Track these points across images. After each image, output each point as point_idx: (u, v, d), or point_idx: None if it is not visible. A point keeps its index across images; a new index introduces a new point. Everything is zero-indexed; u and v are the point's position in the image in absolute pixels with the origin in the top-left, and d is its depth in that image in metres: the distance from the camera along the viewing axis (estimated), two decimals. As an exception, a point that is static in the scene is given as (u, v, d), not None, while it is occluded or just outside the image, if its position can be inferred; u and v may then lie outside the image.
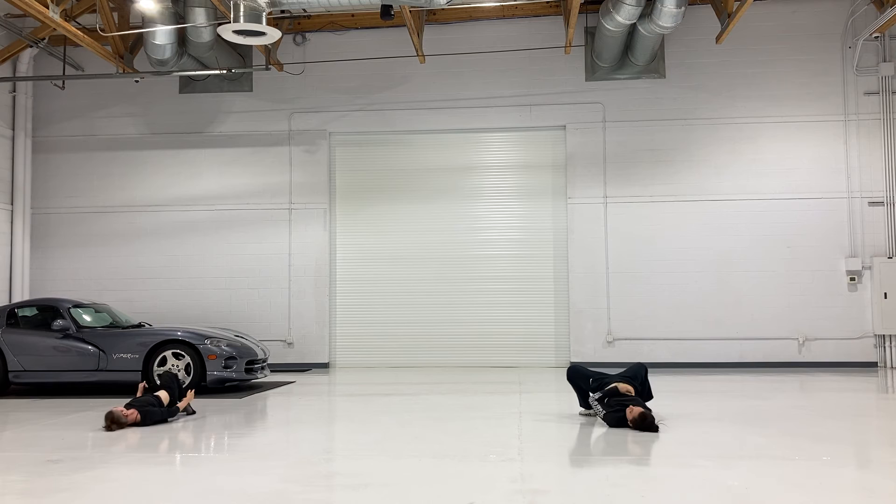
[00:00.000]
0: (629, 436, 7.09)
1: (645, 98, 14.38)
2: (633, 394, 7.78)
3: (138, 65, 14.51)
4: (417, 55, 14.29)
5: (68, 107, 15.53)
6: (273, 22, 13.80)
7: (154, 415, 8.03)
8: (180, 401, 8.59)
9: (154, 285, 15.00)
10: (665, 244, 14.15)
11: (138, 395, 8.88)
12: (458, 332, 14.51)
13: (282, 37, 14.77)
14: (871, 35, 13.63)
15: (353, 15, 14.67)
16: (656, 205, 14.22)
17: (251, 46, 15.05)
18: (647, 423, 7.21)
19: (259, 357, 11.51)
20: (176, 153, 15.24)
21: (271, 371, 13.46)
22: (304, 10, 11.44)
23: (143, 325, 11.80)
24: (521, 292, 14.48)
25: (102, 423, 7.96)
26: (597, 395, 7.77)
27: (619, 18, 12.39)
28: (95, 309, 11.79)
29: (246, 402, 9.82)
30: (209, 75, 14.92)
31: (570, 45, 14.05)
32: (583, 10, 14.02)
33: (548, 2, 14.29)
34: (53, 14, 11.50)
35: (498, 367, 14.13)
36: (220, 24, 11.18)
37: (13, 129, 15.13)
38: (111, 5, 13.11)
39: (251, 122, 15.12)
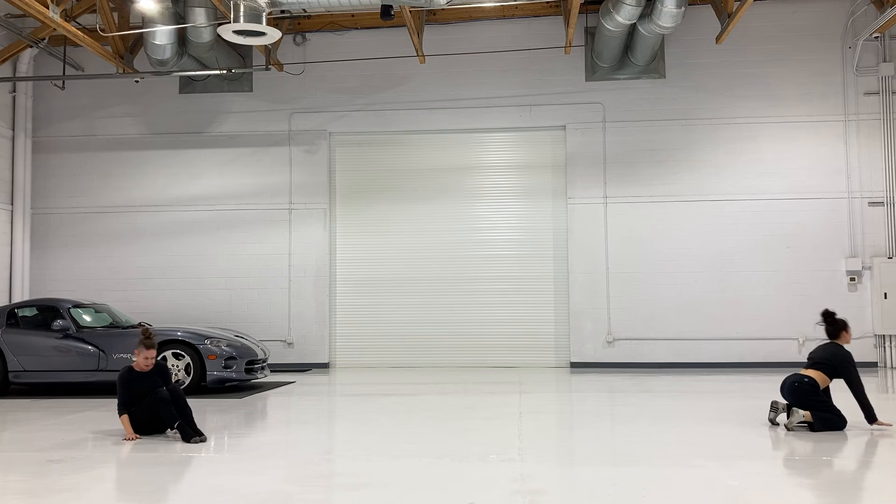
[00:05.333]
0: (628, 436, 7.09)
1: (645, 98, 14.38)
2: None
3: (138, 65, 14.50)
4: (417, 55, 14.29)
5: (68, 107, 15.53)
6: (273, 22, 13.80)
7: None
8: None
9: (154, 285, 15.00)
10: (665, 244, 14.15)
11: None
12: (458, 332, 14.51)
13: (282, 37, 14.77)
14: (871, 35, 13.62)
15: (353, 15, 14.66)
16: (656, 205, 14.22)
17: (251, 47, 15.05)
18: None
19: (259, 357, 11.51)
20: (176, 153, 15.23)
21: (271, 371, 13.46)
22: (304, 10, 11.43)
23: (143, 326, 11.80)
24: (521, 292, 14.48)
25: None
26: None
27: (619, 18, 12.38)
28: (95, 309, 11.79)
29: (246, 402, 9.81)
30: (209, 75, 14.92)
31: (570, 45, 14.05)
32: (583, 10, 14.01)
33: (548, 2, 14.29)
34: (53, 14, 11.50)
35: (498, 368, 14.12)
36: (220, 24, 11.18)
37: (13, 129, 15.13)
38: (111, 5, 13.11)
39: (251, 122, 15.12)
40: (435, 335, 14.57)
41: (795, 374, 7.51)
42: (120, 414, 7.33)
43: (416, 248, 14.75)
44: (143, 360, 7.41)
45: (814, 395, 7.31)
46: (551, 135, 14.68)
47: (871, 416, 7.21)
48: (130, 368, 7.50)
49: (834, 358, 7.33)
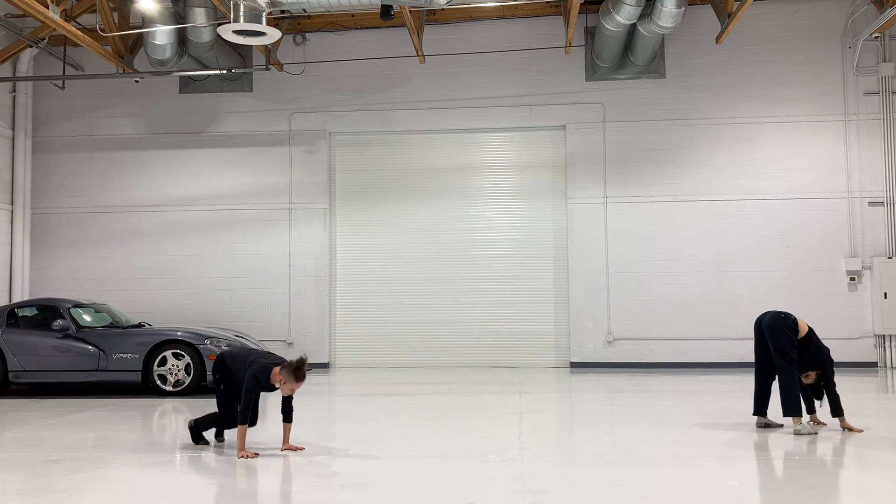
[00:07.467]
0: (628, 436, 7.09)
1: (645, 98, 14.38)
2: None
3: (138, 65, 14.50)
4: (417, 55, 14.29)
5: (68, 107, 15.53)
6: (273, 22, 13.79)
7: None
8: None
9: (154, 285, 14.99)
10: (665, 244, 14.15)
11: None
12: (458, 332, 14.51)
13: (282, 37, 14.77)
14: (871, 35, 13.62)
15: (353, 15, 14.66)
16: (656, 205, 14.22)
17: (251, 46, 15.04)
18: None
19: (259, 357, 11.48)
20: (176, 153, 15.23)
21: (271, 371, 13.43)
22: (304, 10, 11.43)
23: (143, 325, 11.80)
24: (520, 292, 14.47)
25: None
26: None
27: (619, 18, 12.38)
28: (95, 309, 11.79)
29: (246, 402, 9.80)
30: (209, 75, 14.91)
31: (570, 45, 14.05)
32: (583, 10, 14.01)
33: (548, 2, 14.29)
34: (53, 14, 11.50)
35: (498, 368, 14.12)
36: (220, 24, 11.18)
37: (13, 129, 15.12)
38: (111, 5, 13.10)
39: (251, 122, 15.12)
40: (435, 335, 14.56)
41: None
42: (243, 423, 6.42)
43: (416, 248, 14.75)
44: (288, 390, 6.68)
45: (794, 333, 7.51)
46: (551, 135, 14.68)
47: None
48: (269, 378, 6.66)
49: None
